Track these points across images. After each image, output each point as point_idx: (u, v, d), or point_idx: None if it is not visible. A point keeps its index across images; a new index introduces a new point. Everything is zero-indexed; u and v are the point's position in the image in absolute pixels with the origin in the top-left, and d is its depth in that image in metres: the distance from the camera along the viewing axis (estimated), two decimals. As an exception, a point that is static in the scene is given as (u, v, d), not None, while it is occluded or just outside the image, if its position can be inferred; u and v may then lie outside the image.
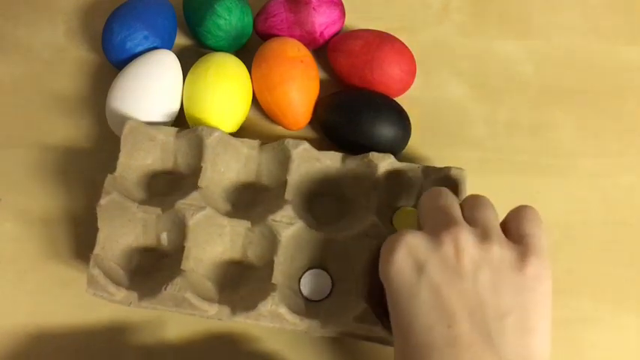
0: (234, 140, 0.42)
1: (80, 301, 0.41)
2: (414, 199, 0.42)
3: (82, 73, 0.49)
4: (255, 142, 0.42)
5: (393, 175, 0.41)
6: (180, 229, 0.39)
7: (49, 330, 0.41)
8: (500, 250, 0.32)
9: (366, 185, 0.41)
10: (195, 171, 0.41)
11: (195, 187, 0.40)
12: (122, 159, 0.41)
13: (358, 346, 0.40)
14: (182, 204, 0.39)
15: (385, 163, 0.41)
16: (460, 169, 0.41)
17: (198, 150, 0.41)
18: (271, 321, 0.37)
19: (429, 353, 0.30)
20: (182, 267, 0.38)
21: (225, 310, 0.38)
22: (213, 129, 0.41)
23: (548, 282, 0.33)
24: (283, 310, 0.37)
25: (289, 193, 0.40)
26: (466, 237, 0.32)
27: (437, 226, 0.33)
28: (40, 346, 0.40)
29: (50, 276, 0.42)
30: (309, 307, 0.39)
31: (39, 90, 0.48)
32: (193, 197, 0.39)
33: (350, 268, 0.39)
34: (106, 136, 0.45)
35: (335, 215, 0.43)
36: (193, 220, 0.39)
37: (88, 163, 0.45)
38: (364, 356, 0.40)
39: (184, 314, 0.38)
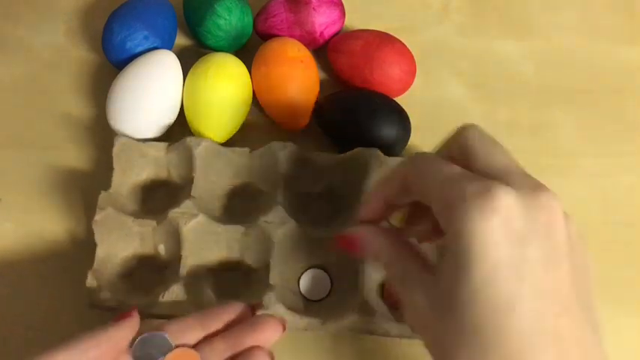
0: (224, 149, 0.42)
1: (80, 300, 0.41)
2: None
3: (82, 73, 0.49)
4: (246, 150, 0.43)
5: (383, 169, 0.42)
6: (176, 239, 0.40)
7: (49, 330, 0.41)
8: (574, 223, 0.28)
9: (357, 182, 0.41)
10: (189, 182, 0.41)
11: (188, 197, 0.40)
12: (116, 176, 0.42)
13: (360, 341, 0.40)
14: (175, 213, 0.39)
15: (373, 158, 0.41)
16: None
17: (188, 161, 0.42)
18: None
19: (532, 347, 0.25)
20: (180, 275, 0.38)
21: None
22: (201, 139, 0.42)
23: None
24: (280, 310, 0.37)
25: (280, 195, 0.41)
26: (559, 206, 0.27)
27: (523, 185, 0.27)
28: (40, 346, 0.40)
29: (50, 276, 0.42)
30: (309, 306, 0.39)
31: (39, 90, 0.48)
32: (186, 206, 0.40)
33: (348, 265, 0.39)
34: (106, 136, 0.45)
35: (330, 214, 0.43)
36: (187, 228, 0.39)
37: (88, 163, 0.45)
38: (367, 351, 0.40)
39: None
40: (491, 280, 0.25)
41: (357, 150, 0.41)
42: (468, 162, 0.29)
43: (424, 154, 0.31)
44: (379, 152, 0.41)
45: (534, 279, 0.25)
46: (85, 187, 0.44)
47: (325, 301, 0.40)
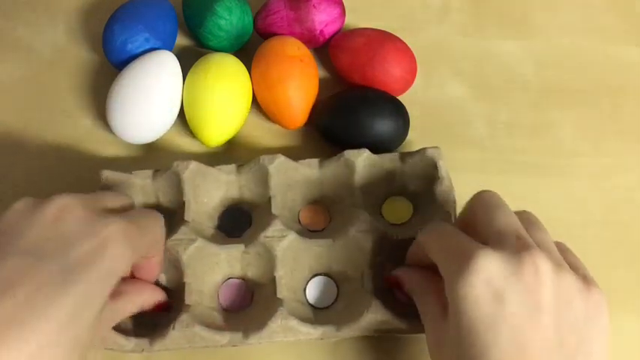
0: (210, 169, 0.42)
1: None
2: (397, 186, 0.43)
3: (82, 73, 0.49)
4: (232, 167, 0.42)
5: (373, 167, 0.42)
6: (177, 267, 0.39)
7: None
8: (571, 279, 0.30)
9: (349, 184, 0.41)
10: (180, 207, 0.41)
11: (182, 222, 0.40)
12: None
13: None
14: (172, 241, 0.39)
15: (362, 158, 0.41)
16: (436, 147, 0.41)
17: (177, 186, 0.41)
18: (285, 335, 0.37)
19: None
20: (186, 302, 0.38)
21: (237, 335, 0.37)
22: (187, 162, 0.41)
23: (607, 310, 0.31)
24: (294, 323, 0.37)
25: (276, 208, 0.41)
26: (546, 264, 0.29)
27: (511, 246, 0.30)
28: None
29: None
30: (318, 314, 0.39)
31: (39, 90, 0.48)
32: (182, 232, 0.39)
33: (352, 268, 0.39)
34: (106, 137, 0.45)
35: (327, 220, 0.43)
36: (186, 255, 0.39)
37: (88, 164, 0.45)
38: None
39: (198, 348, 0.38)
40: (468, 332, 0.29)
41: (345, 152, 0.41)
42: (474, 227, 0.33)
43: (436, 225, 0.35)
44: (367, 151, 0.41)
45: (511, 331, 0.29)
46: (85, 188, 0.44)
47: (335, 305, 0.40)
